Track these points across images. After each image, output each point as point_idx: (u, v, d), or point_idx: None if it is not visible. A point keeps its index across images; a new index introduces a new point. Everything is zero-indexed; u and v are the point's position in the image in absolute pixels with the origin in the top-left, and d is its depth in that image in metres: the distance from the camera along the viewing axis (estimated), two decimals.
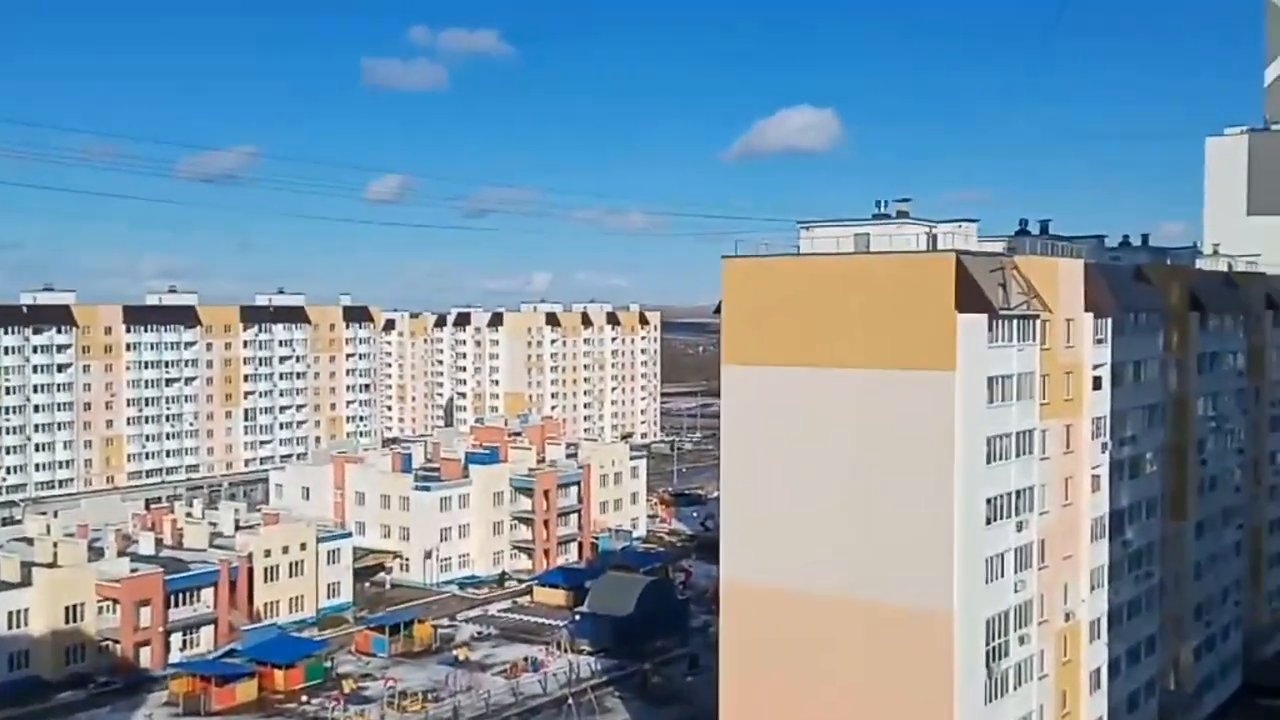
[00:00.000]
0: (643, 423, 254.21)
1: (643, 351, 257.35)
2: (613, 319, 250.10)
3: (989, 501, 51.82)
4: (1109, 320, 62.05)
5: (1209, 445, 77.32)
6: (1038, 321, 54.91)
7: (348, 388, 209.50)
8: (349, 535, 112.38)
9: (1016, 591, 54.29)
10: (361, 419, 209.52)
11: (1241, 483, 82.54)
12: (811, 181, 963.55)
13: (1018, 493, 53.83)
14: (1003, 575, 53.31)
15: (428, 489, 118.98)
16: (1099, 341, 61.26)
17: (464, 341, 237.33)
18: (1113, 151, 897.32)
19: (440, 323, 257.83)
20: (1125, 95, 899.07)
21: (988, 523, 51.79)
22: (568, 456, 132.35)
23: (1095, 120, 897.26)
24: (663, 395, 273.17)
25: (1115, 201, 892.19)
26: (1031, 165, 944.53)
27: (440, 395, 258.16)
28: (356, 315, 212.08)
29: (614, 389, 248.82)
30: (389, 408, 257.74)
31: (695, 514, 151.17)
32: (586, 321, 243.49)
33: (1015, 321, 53.12)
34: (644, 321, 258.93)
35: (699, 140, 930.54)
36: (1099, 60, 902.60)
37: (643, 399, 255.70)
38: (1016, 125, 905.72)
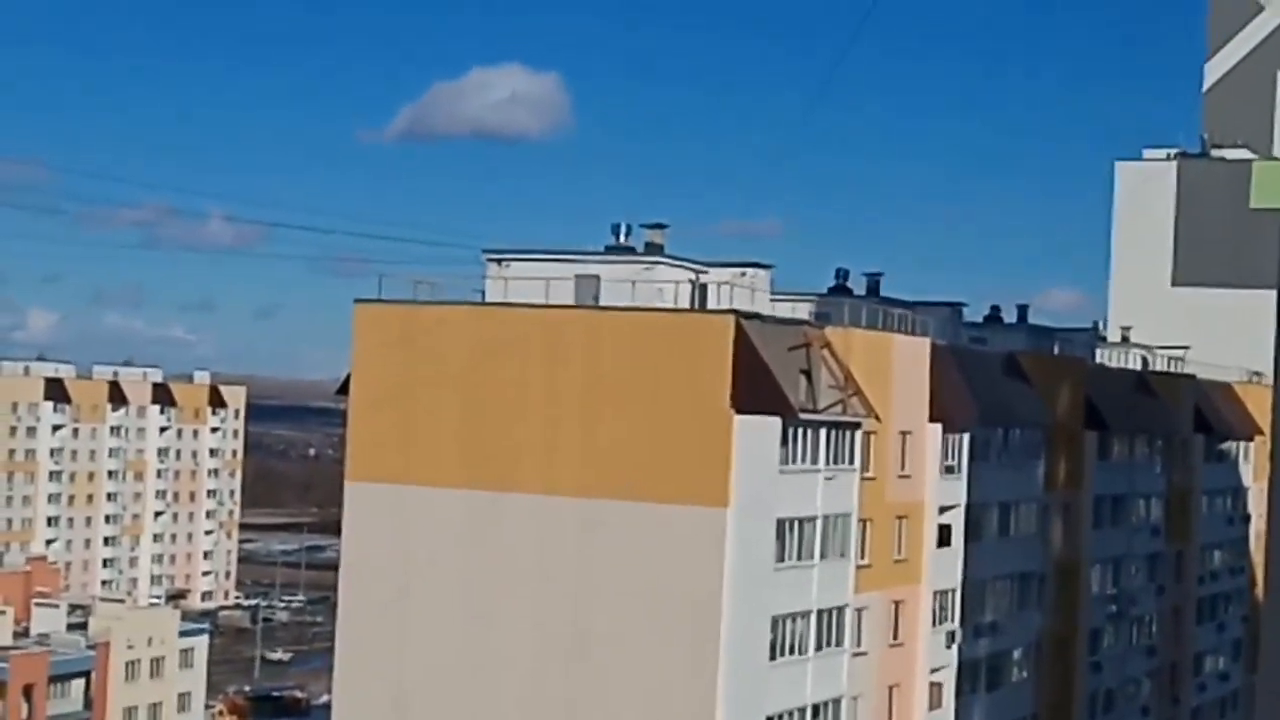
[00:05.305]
0: (208, 574, 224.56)
1: (214, 453, 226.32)
2: (165, 395, 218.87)
3: None
4: (964, 437, 60.61)
5: (1106, 640, 75.29)
6: (858, 433, 53.53)
7: None
8: None
9: None
10: None
11: (1151, 700, 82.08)
12: (515, 186, 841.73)
13: (815, 710, 52.24)
14: None
15: None
16: (949, 470, 59.86)
17: None
18: (975, 177, 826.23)
19: None
20: (995, 92, 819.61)
21: None
22: (70, 629, 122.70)
23: (951, 130, 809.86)
24: (245, 529, 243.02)
25: (979, 253, 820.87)
26: (857, 186, 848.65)
27: None
28: None
29: (160, 514, 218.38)
30: None
31: None
32: (118, 397, 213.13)
33: (824, 432, 51.95)
34: (219, 402, 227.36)
35: (335, 108, 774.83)
36: (966, 41, 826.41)
37: (209, 534, 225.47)
38: (834, 122, 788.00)
